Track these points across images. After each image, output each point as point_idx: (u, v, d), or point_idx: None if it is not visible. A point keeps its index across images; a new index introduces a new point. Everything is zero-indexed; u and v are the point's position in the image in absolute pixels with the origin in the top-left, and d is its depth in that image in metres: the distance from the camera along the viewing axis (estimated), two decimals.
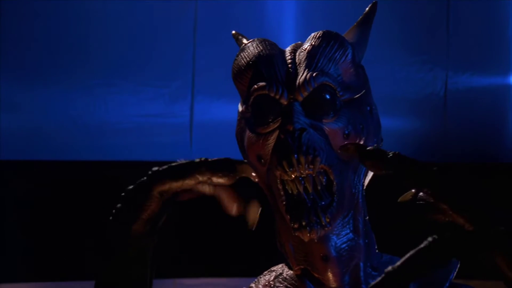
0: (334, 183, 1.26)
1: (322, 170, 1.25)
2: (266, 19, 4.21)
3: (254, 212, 1.26)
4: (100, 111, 4.09)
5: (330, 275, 1.29)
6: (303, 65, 1.29)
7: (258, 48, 1.33)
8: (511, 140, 4.35)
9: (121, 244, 1.22)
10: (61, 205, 3.90)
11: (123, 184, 1.26)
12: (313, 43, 1.31)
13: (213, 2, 4.17)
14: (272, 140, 1.27)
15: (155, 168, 1.23)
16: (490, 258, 1.07)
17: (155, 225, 1.23)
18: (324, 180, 1.26)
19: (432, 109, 4.34)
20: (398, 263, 1.06)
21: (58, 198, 3.91)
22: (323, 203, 1.25)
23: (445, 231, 1.08)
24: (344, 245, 1.29)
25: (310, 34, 1.33)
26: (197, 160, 1.23)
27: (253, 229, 1.26)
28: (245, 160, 1.30)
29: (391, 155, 1.18)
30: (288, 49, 1.33)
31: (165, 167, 1.23)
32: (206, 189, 1.23)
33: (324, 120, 1.27)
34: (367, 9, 1.40)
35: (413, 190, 1.19)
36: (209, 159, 1.23)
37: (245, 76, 1.32)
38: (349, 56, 1.31)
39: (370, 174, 1.35)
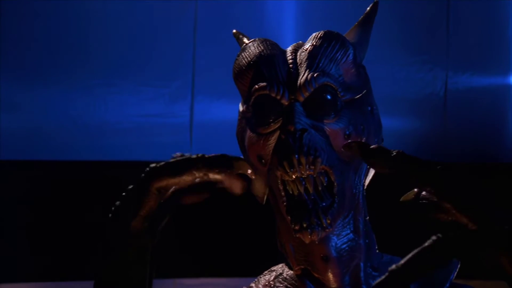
0: (335, 184, 1.26)
1: (323, 171, 1.25)
2: (266, 19, 4.21)
3: (261, 186, 1.27)
4: (100, 111, 4.09)
5: (330, 275, 1.29)
6: (304, 65, 1.29)
7: (259, 48, 1.32)
8: (511, 140, 4.35)
9: (121, 243, 1.22)
10: (61, 205, 3.90)
11: (123, 184, 1.26)
12: (314, 43, 1.30)
13: (213, 2, 4.17)
14: (273, 140, 1.27)
15: (152, 165, 1.24)
16: (494, 257, 1.06)
17: (154, 223, 1.23)
18: (325, 180, 1.26)
19: (432, 109, 4.35)
20: (402, 261, 1.06)
21: (58, 198, 3.91)
22: (324, 204, 1.25)
23: (448, 231, 1.08)
24: (344, 246, 1.29)
25: (310, 34, 1.33)
26: (194, 156, 1.23)
27: (264, 202, 1.27)
28: (242, 157, 1.30)
29: (394, 153, 1.18)
30: (289, 49, 1.33)
31: (162, 163, 1.23)
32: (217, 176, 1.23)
33: (325, 121, 1.27)
34: (368, 9, 1.40)
35: (415, 189, 1.18)
36: (206, 155, 1.23)
37: (246, 76, 1.32)
38: (350, 57, 1.31)
39: (371, 174, 1.35)
